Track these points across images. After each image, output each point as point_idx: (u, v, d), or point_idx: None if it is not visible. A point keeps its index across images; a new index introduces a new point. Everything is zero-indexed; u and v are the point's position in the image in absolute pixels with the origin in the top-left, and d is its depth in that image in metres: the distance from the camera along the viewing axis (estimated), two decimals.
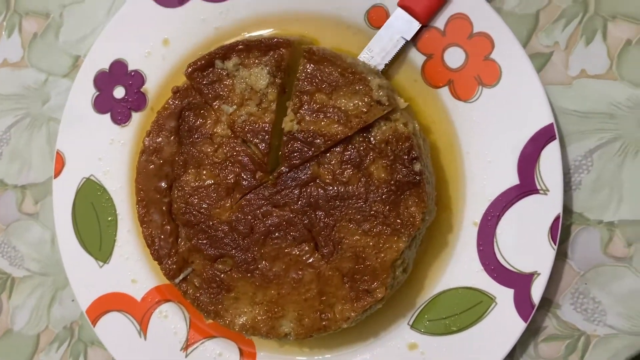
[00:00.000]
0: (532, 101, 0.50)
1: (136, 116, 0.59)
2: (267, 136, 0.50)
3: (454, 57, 0.52)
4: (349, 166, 0.49)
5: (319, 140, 0.49)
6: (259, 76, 0.50)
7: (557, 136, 0.50)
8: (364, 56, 0.53)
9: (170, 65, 0.58)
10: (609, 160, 0.53)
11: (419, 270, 0.54)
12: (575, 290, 0.54)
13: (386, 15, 0.53)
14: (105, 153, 0.60)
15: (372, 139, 0.49)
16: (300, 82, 0.49)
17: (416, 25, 0.52)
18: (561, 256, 0.54)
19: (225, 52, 0.51)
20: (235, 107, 0.51)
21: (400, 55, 0.54)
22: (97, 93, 0.59)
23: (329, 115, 0.49)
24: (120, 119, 0.59)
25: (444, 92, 0.53)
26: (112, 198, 0.60)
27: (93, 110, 0.60)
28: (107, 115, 0.59)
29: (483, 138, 0.52)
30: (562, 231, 0.54)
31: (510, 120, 0.51)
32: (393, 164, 0.48)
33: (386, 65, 0.53)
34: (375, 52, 0.53)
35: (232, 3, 0.56)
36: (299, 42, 0.52)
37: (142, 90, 0.59)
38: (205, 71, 0.51)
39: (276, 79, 0.50)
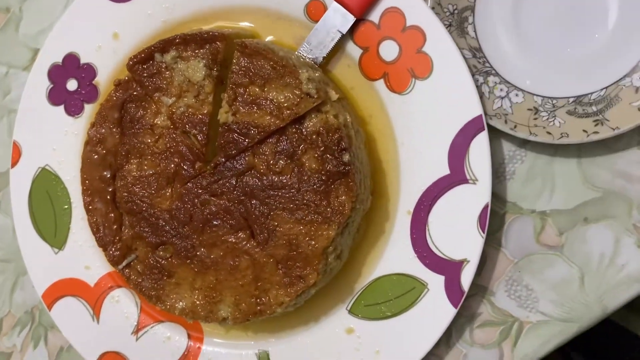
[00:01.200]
0: (462, 93, 0.51)
1: (89, 108, 0.61)
2: (204, 127, 0.52)
3: (389, 50, 0.54)
4: (282, 157, 0.51)
5: (253, 131, 0.50)
6: (195, 69, 0.52)
7: (485, 127, 0.51)
8: (303, 49, 0.54)
9: (120, 58, 0.60)
10: (542, 150, 0.54)
11: (358, 256, 0.56)
12: (509, 277, 0.55)
13: (324, 8, 0.55)
14: (60, 143, 0.62)
15: (304, 130, 0.50)
16: (234, 75, 0.51)
17: (351, 19, 0.53)
18: (495, 244, 0.55)
19: (164, 46, 0.53)
20: (174, 99, 0.53)
21: (339, 48, 0.55)
22: (51, 86, 0.61)
23: (262, 107, 0.50)
24: (74, 110, 0.61)
25: (380, 84, 0.55)
26: (67, 187, 0.62)
27: (47, 102, 0.61)
28: (61, 107, 0.61)
29: (416, 129, 0.54)
30: (496, 220, 0.55)
31: (441, 112, 0.52)
32: (324, 155, 0.50)
33: (324, 58, 0.54)
34: (314, 45, 0.54)
35: None
36: (236, 34, 0.54)
37: (94, 82, 0.61)
38: (146, 64, 0.53)
39: (212, 72, 0.52)
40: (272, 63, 0.50)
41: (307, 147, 0.50)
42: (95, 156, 0.55)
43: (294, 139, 0.50)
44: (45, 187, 0.62)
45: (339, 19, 0.53)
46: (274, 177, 0.51)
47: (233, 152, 0.51)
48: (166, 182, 0.53)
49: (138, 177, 0.54)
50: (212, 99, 0.52)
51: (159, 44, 0.53)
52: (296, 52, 0.54)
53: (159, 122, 0.53)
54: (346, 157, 0.49)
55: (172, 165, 0.53)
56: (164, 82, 0.53)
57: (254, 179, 0.51)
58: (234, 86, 0.51)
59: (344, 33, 0.53)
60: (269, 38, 0.57)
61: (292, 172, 0.50)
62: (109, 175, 0.55)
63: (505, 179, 0.55)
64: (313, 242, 0.50)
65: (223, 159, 0.51)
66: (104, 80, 0.61)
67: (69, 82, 0.61)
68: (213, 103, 0.52)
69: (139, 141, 0.54)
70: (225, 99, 0.51)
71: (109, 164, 0.55)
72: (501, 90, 0.53)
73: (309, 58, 0.54)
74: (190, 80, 0.52)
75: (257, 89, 0.50)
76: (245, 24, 0.57)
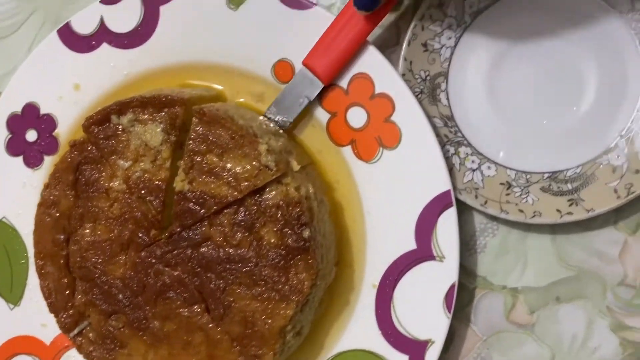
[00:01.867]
0: (430, 167, 0.49)
1: (48, 160, 0.59)
2: (160, 194, 0.50)
3: (357, 117, 0.51)
4: (240, 229, 0.48)
5: (209, 201, 0.48)
6: (153, 133, 0.50)
7: (454, 203, 0.49)
8: (269, 112, 0.52)
9: (81, 109, 0.57)
10: (515, 224, 0.52)
11: (322, 327, 0.54)
12: (477, 355, 0.53)
13: (291, 69, 0.52)
14: (18, 195, 0.59)
15: (263, 202, 0.48)
16: (192, 143, 0.48)
17: (319, 85, 0.51)
18: (464, 320, 0.53)
19: (120, 108, 0.50)
20: (130, 162, 0.50)
21: (307, 111, 0.53)
22: (10, 135, 0.59)
23: (219, 177, 0.48)
24: (33, 162, 0.59)
25: (347, 150, 0.52)
26: (24, 241, 0.59)
27: (6, 153, 0.59)
28: (20, 158, 0.59)
29: (383, 200, 0.51)
30: (465, 295, 0.53)
31: (409, 185, 0.50)
32: (283, 229, 0.47)
33: (291, 123, 0.52)
34: (280, 109, 0.52)
35: (140, 51, 0.55)
36: (199, 97, 0.52)
37: (54, 134, 0.58)
38: (102, 125, 0.51)
39: (170, 137, 0.50)
40: (230, 132, 0.48)
41: (266, 220, 0.48)
42: (49, 219, 0.52)
43: (253, 211, 0.48)
44: (2, 240, 0.59)
45: (307, 84, 0.51)
46: (230, 249, 0.48)
47: (189, 221, 0.49)
48: (120, 249, 0.51)
49: (92, 242, 0.51)
50: (169, 164, 0.50)
51: (116, 106, 0.50)
52: (260, 118, 0.52)
53: (114, 186, 0.51)
54: (306, 233, 0.47)
55: (127, 232, 0.51)
56: (120, 145, 0.51)
57: (210, 251, 0.49)
58: (191, 154, 0.48)
59: (312, 99, 0.51)
60: (239, 99, 0.55)
61: (250, 245, 0.48)
62: (62, 239, 0.52)
63: (476, 252, 0.53)
64: (270, 321, 0.48)
65: (178, 229, 0.49)
66: (64, 131, 0.58)
67: (28, 132, 0.59)
68: (170, 169, 0.50)
69: (93, 205, 0.51)
70: (182, 167, 0.49)
71: (63, 227, 0.52)
72: (473, 162, 0.51)
73: (276, 121, 0.52)
74: (147, 144, 0.50)
75: (215, 158, 0.48)
76: (211, 84, 0.55)
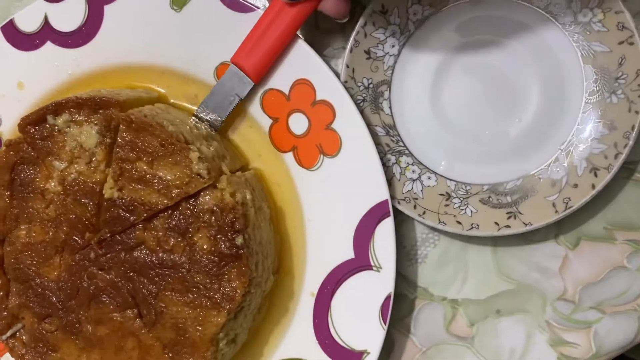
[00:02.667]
0: (369, 176, 0.48)
1: None
2: (95, 197, 0.49)
3: (298, 123, 0.51)
4: (174, 234, 0.47)
5: (140, 209, 0.47)
6: (88, 135, 0.49)
7: (391, 213, 0.48)
8: (201, 110, 0.51)
9: (25, 108, 0.56)
10: (456, 235, 0.51)
11: (261, 335, 0.53)
12: None
13: None
14: None
15: (197, 207, 0.47)
16: (120, 150, 0.47)
17: (249, 83, 0.50)
18: (404, 330, 0.52)
19: (56, 108, 0.49)
20: (65, 164, 0.49)
21: (245, 113, 0.52)
22: None
23: (149, 184, 0.47)
24: None
25: (289, 157, 0.51)
26: None
27: None
28: None
29: (323, 208, 0.51)
30: (405, 305, 0.52)
31: (348, 193, 0.49)
32: (216, 235, 0.47)
33: (222, 121, 0.51)
34: (211, 108, 0.51)
35: (84, 51, 0.54)
36: (136, 99, 0.51)
37: None
38: (38, 126, 0.50)
39: (105, 139, 0.49)
40: (160, 140, 0.47)
41: (200, 226, 0.47)
42: None
43: (187, 216, 0.47)
44: None
45: (236, 82, 0.50)
46: (163, 255, 0.48)
47: (118, 228, 0.48)
48: (55, 251, 0.50)
49: (27, 243, 0.51)
50: (104, 167, 0.49)
51: (52, 106, 0.49)
52: (192, 119, 0.51)
53: (50, 187, 0.50)
54: (239, 240, 0.46)
55: (62, 234, 0.50)
56: (56, 146, 0.50)
57: (144, 256, 0.48)
58: (119, 161, 0.47)
59: (243, 97, 0.50)
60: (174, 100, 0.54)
61: (184, 251, 0.47)
62: None
63: (416, 262, 0.52)
64: (201, 328, 0.47)
65: (108, 235, 0.48)
66: (7, 130, 0.57)
67: None
68: (105, 171, 0.49)
69: (28, 206, 0.50)
70: (111, 174, 0.48)
71: None
72: (413, 172, 0.50)
73: (207, 120, 0.51)
74: (82, 146, 0.49)
75: (144, 166, 0.47)
76: (154, 86, 0.54)
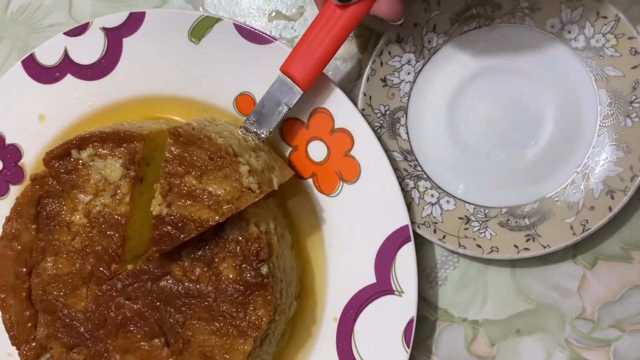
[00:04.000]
0: (389, 202, 0.49)
1: (14, 189, 0.59)
2: (120, 229, 0.50)
3: (317, 151, 0.52)
4: (199, 263, 0.48)
5: (190, 226, 0.47)
6: (112, 168, 0.50)
7: (412, 238, 0.49)
8: (249, 122, 0.51)
9: (47, 140, 0.58)
10: (474, 258, 0.52)
11: (286, 359, 0.54)
12: None
13: (253, 103, 0.53)
14: None
15: (223, 237, 0.48)
16: (168, 165, 0.47)
17: (298, 92, 0.49)
18: (426, 352, 0.53)
19: (80, 142, 0.50)
20: (90, 197, 0.50)
21: (271, 143, 0.53)
22: None
23: (199, 200, 0.47)
24: None
25: (309, 183, 0.52)
26: None
27: None
28: None
29: (344, 233, 0.51)
30: (426, 327, 0.53)
31: (368, 219, 0.50)
32: (242, 265, 0.47)
33: (270, 132, 0.51)
34: (259, 119, 0.50)
35: (104, 83, 0.55)
36: (158, 131, 0.52)
37: (19, 164, 0.58)
38: (62, 160, 0.51)
39: (130, 172, 0.50)
40: (209, 153, 0.47)
41: (225, 256, 0.48)
42: (10, 252, 0.52)
43: (213, 246, 0.48)
44: None
45: (285, 91, 0.49)
46: (190, 284, 0.48)
47: (168, 246, 0.47)
48: (82, 282, 0.51)
49: (54, 275, 0.51)
50: (128, 199, 0.50)
51: (76, 140, 0.50)
52: (239, 130, 0.51)
53: (75, 220, 0.51)
54: (264, 269, 0.47)
55: (88, 265, 0.51)
56: (81, 179, 0.51)
57: (170, 285, 0.49)
58: (167, 176, 0.47)
59: (292, 107, 0.50)
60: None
61: (209, 280, 0.48)
62: (24, 272, 0.52)
63: (437, 285, 0.53)
64: (228, 356, 0.48)
65: (156, 254, 0.48)
66: (30, 161, 0.58)
67: None
68: (130, 203, 0.50)
69: (55, 238, 0.51)
70: (159, 190, 0.47)
71: (25, 260, 0.52)
72: (432, 196, 0.51)
73: (255, 131, 0.51)
74: (107, 179, 0.50)
75: (193, 180, 0.47)
76: (174, 117, 0.55)
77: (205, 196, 0.47)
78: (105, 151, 0.50)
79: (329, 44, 0.47)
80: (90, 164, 0.51)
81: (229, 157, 0.47)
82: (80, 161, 0.51)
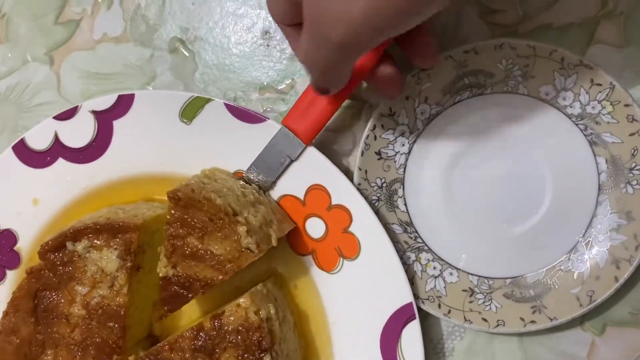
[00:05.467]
0: (391, 279, 0.49)
1: (11, 274, 0.58)
2: (119, 320, 0.49)
3: (315, 228, 0.51)
4: (200, 354, 0.47)
5: (196, 285, 0.48)
6: (108, 260, 0.49)
7: (416, 316, 0.48)
8: (251, 172, 0.51)
9: (41, 224, 0.57)
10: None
11: None
12: None
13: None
14: None
15: (223, 327, 0.47)
16: (170, 228, 0.48)
17: (300, 146, 0.49)
18: None
19: (75, 234, 0.50)
20: (88, 288, 0.50)
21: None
22: None
23: (202, 260, 0.47)
24: None
25: (309, 260, 0.52)
26: None
27: None
28: None
29: (347, 311, 0.51)
30: None
31: (371, 296, 0.49)
32: (244, 355, 0.47)
33: (273, 183, 0.51)
34: (262, 169, 0.51)
35: (96, 165, 0.55)
36: (154, 218, 0.51)
37: (15, 249, 0.58)
38: (58, 252, 0.50)
39: (126, 263, 0.49)
40: (209, 215, 0.47)
41: (226, 346, 0.47)
42: (9, 346, 0.51)
43: (213, 336, 0.47)
44: None
45: (287, 144, 0.50)
46: None
47: (177, 306, 0.48)
48: None
49: None
50: (126, 290, 0.49)
51: (70, 232, 0.50)
52: (240, 183, 0.51)
53: (74, 312, 0.50)
54: (267, 359, 0.46)
55: (89, 358, 0.50)
56: (77, 271, 0.50)
57: None
58: (170, 239, 0.48)
59: (294, 159, 0.50)
60: None
61: None
62: None
63: (444, 356, 0.52)
64: None
65: (168, 313, 0.48)
66: (25, 245, 0.57)
67: None
68: (128, 294, 0.49)
69: (54, 331, 0.51)
70: (163, 252, 0.48)
71: (25, 354, 0.51)
72: (434, 268, 0.50)
73: (257, 181, 0.51)
74: (103, 270, 0.49)
75: (195, 241, 0.47)
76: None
77: (207, 256, 0.47)
78: (100, 242, 0.50)
79: (328, 103, 0.48)
80: (86, 255, 0.50)
81: (227, 217, 0.47)
82: (76, 253, 0.50)
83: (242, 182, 0.51)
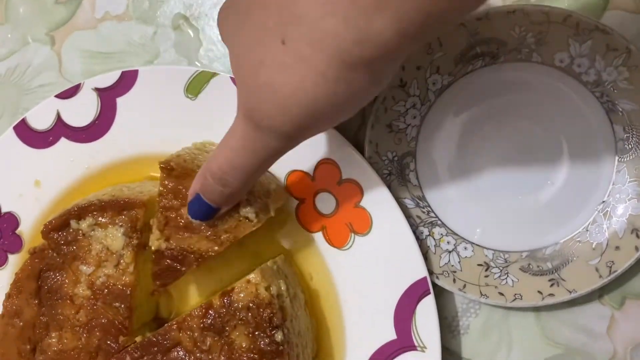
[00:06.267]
0: (404, 254, 0.47)
1: (13, 258, 0.57)
2: (126, 299, 0.48)
3: (325, 203, 0.50)
4: (210, 333, 0.46)
5: (190, 257, 0.46)
6: (114, 237, 0.48)
7: (431, 290, 0.47)
8: None
9: (44, 206, 0.55)
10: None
11: None
12: None
13: None
14: None
15: (232, 304, 0.46)
16: (163, 199, 0.46)
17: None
18: None
19: (79, 212, 0.48)
20: (93, 268, 0.48)
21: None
22: None
23: (196, 231, 0.46)
24: None
25: (319, 237, 0.50)
26: None
27: None
28: None
29: (359, 288, 0.49)
30: None
31: (384, 272, 0.48)
32: (255, 332, 0.45)
33: None
34: None
35: (99, 144, 0.54)
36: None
37: (17, 232, 0.56)
38: (61, 231, 0.49)
39: (132, 240, 0.48)
40: None
41: (236, 324, 0.46)
42: (12, 329, 0.50)
43: (223, 314, 0.46)
44: None
45: None
46: (201, 355, 0.46)
47: (170, 280, 0.46)
48: (89, 357, 0.49)
49: (59, 351, 0.49)
50: (132, 268, 0.48)
51: (75, 210, 0.48)
52: None
53: (78, 292, 0.49)
54: (279, 336, 0.45)
55: (95, 339, 0.48)
56: (82, 250, 0.49)
57: (181, 356, 0.47)
58: (163, 210, 0.46)
59: None
60: None
61: (222, 350, 0.46)
62: (28, 349, 0.50)
63: (459, 334, 0.51)
64: None
65: (160, 288, 0.47)
66: (27, 229, 0.56)
67: None
68: (134, 272, 0.48)
69: (58, 313, 0.49)
70: (155, 225, 0.46)
71: (28, 337, 0.50)
72: (448, 243, 0.49)
73: None
74: (109, 249, 0.48)
75: None
76: None
77: (202, 227, 0.46)
78: (105, 220, 0.48)
79: None
80: (91, 234, 0.49)
81: None
82: (80, 231, 0.49)
83: None
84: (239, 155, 0.39)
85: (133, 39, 0.57)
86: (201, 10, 0.56)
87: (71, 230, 0.49)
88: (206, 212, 0.44)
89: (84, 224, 0.49)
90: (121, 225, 0.48)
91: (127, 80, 0.52)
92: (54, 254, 0.50)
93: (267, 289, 0.46)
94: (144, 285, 0.50)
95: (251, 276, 0.46)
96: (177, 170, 0.47)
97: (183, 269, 0.46)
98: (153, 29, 0.56)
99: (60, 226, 0.49)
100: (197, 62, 0.56)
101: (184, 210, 0.46)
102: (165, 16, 0.56)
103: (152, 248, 0.47)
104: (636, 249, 0.45)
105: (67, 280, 0.49)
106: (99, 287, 0.48)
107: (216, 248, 0.46)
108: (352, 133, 0.52)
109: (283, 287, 0.47)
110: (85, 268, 0.49)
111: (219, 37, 0.55)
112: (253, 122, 0.37)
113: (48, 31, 0.59)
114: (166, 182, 0.47)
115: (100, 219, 0.48)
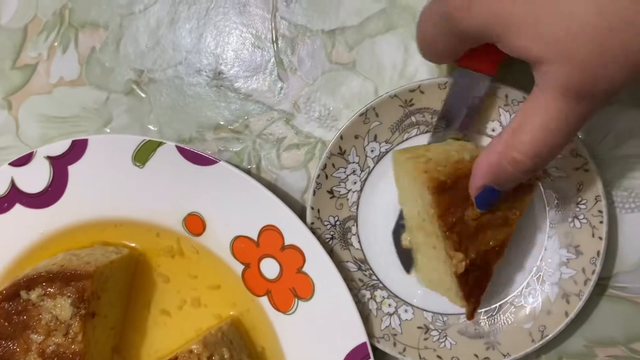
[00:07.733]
0: (345, 318, 0.48)
1: None
2: None
3: (270, 268, 0.51)
4: None
5: (491, 255, 0.44)
6: (62, 308, 0.49)
7: (371, 355, 0.48)
8: (440, 126, 0.48)
9: (1, 270, 0.57)
10: None
11: None
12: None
13: (202, 222, 0.52)
14: None
15: None
16: (444, 220, 0.43)
17: (486, 79, 0.45)
18: None
19: (28, 283, 0.50)
20: (43, 337, 0.50)
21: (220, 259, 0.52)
22: None
23: (488, 225, 0.44)
24: None
25: (265, 301, 0.52)
26: None
27: None
28: None
29: (303, 352, 0.51)
30: None
31: (326, 336, 0.49)
32: None
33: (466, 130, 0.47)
34: (451, 119, 0.47)
35: (53, 210, 0.55)
36: (107, 264, 0.51)
37: None
38: (12, 301, 0.50)
39: (80, 310, 0.49)
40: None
41: None
42: None
43: None
44: None
45: (471, 85, 0.45)
46: None
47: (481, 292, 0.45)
48: None
49: None
50: (81, 337, 0.49)
51: (23, 282, 0.50)
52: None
53: None
54: None
55: None
56: (32, 320, 0.50)
57: None
58: (449, 232, 0.43)
59: (482, 96, 0.46)
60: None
61: None
62: None
63: None
64: None
65: (475, 304, 0.45)
66: None
67: None
68: (83, 341, 0.49)
69: None
70: (451, 248, 0.43)
71: None
72: (389, 305, 0.50)
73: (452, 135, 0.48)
74: (58, 318, 0.49)
75: (471, 212, 0.43)
76: (125, 241, 0.55)
77: (491, 218, 0.44)
78: (54, 290, 0.50)
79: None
80: (41, 304, 0.50)
81: None
82: (30, 301, 0.50)
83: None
84: (557, 136, 0.37)
85: (87, 104, 0.58)
86: (151, 77, 0.57)
87: (21, 300, 0.50)
88: (495, 200, 0.42)
89: (34, 295, 0.50)
90: (69, 296, 0.49)
91: (77, 148, 0.54)
92: (6, 323, 0.51)
93: (210, 358, 0.47)
94: (94, 351, 0.51)
95: (193, 346, 0.47)
96: (449, 182, 0.43)
97: (488, 273, 0.44)
98: (106, 94, 0.58)
99: (10, 296, 0.50)
100: (149, 126, 0.57)
101: (467, 213, 0.43)
102: (117, 82, 0.58)
103: (457, 273, 0.44)
104: (566, 314, 0.46)
105: (18, 349, 0.50)
106: (49, 355, 0.50)
107: (508, 230, 0.44)
108: (299, 197, 0.54)
109: (227, 356, 0.48)
110: (35, 337, 0.50)
111: (168, 103, 0.57)
112: (573, 96, 0.35)
113: (5, 95, 0.60)
114: (439, 200, 0.43)
115: (49, 289, 0.50)
